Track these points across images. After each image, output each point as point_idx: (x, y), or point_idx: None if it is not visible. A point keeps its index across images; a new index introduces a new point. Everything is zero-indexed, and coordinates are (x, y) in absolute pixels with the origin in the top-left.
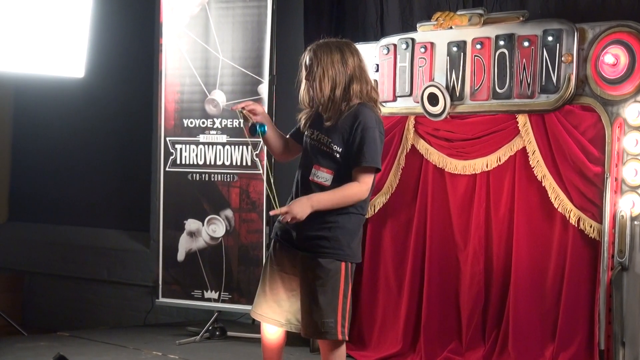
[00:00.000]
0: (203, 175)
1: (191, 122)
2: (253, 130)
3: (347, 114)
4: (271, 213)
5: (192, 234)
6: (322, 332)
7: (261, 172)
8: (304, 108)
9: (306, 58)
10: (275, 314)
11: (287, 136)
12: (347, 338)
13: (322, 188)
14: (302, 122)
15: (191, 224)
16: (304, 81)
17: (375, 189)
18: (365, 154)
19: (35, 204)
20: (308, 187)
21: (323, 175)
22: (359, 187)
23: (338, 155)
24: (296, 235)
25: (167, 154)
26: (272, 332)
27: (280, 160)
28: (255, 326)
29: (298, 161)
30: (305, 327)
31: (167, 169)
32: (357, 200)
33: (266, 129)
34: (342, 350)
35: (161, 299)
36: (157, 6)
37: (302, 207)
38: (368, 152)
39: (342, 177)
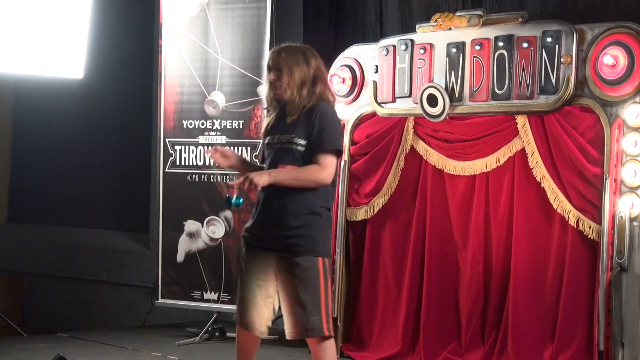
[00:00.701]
0: (202, 176)
1: (191, 123)
2: (228, 204)
3: (307, 110)
4: (230, 183)
5: (191, 235)
6: (309, 330)
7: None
8: (269, 109)
9: (270, 59)
10: (256, 323)
11: (260, 164)
12: (332, 333)
13: (289, 186)
14: (267, 124)
15: (191, 225)
16: (267, 83)
17: (375, 190)
18: (324, 139)
19: (35, 205)
20: (278, 187)
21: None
22: (320, 169)
23: (302, 149)
24: (270, 238)
25: (167, 155)
26: (251, 338)
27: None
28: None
29: None
30: (291, 328)
31: (166, 169)
32: (316, 181)
33: (241, 201)
34: (332, 345)
35: (161, 300)
36: (156, 7)
37: (260, 175)
38: (327, 136)
39: None
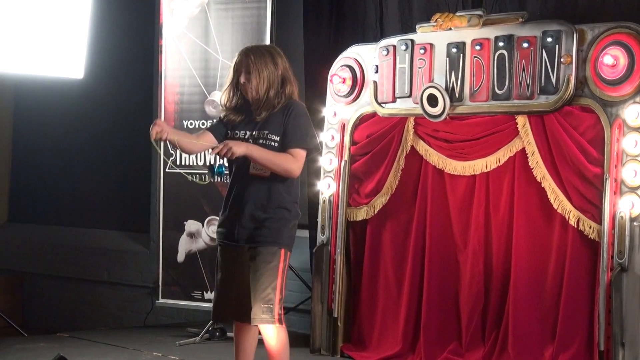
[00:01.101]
0: (203, 177)
1: (191, 123)
2: (212, 172)
3: (278, 109)
4: (212, 152)
5: (192, 235)
6: (262, 318)
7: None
8: (223, 110)
9: (237, 61)
10: (231, 312)
11: (203, 130)
12: (283, 324)
13: (263, 179)
14: (229, 117)
15: (191, 225)
16: (227, 83)
17: (375, 190)
18: (301, 135)
19: (35, 205)
20: (249, 180)
21: (261, 168)
22: (292, 160)
23: (276, 145)
24: (239, 230)
25: (167, 155)
26: (244, 331)
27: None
28: (256, 327)
29: None
30: (248, 312)
31: (167, 170)
32: (285, 169)
33: (224, 169)
34: (285, 338)
35: (161, 300)
36: (156, 7)
37: (238, 144)
38: (303, 133)
39: None
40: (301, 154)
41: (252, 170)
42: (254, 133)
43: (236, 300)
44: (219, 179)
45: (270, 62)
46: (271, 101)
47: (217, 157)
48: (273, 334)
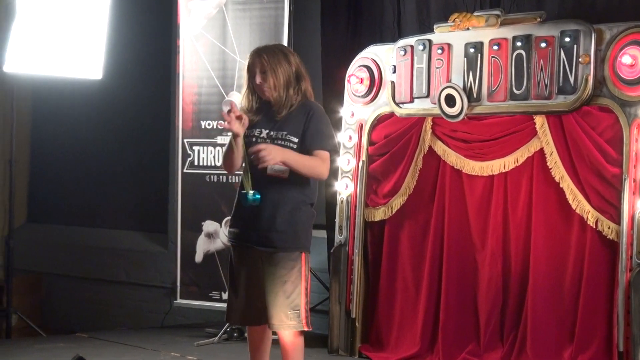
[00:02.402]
0: (220, 177)
1: (208, 124)
2: (245, 201)
3: (296, 107)
4: (250, 150)
5: (209, 236)
6: (289, 324)
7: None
8: (247, 111)
9: (250, 62)
10: (247, 316)
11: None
12: (311, 327)
13: (280, 181)
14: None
15: (209, 225)
16: (245, 87)
17: (393, 191)
18: (323, 138)
19: (54, 206)
20: (265, 181)
21: (281, 168)
22: (322, 163)
23: (294, 147)
24: (255, 234)
25: (185, 155)
26: (259, 333)
27: (231, 172)
28: None
29: None
30: (271, 319)
31: (184, 170)
32: (318, 174)
33: (259, 197)
34: (301, 342)
35: (179, 301)
36: (174, 8)
37: (276, 150)
38: (325, 136)
39: None
40: (327, 156)
41: (270, 171)
42: (271, 133)
43: (253, 303)
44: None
45: (283, 60)
46: (291, 99)
47: (250, 178)
48: (292, 338)
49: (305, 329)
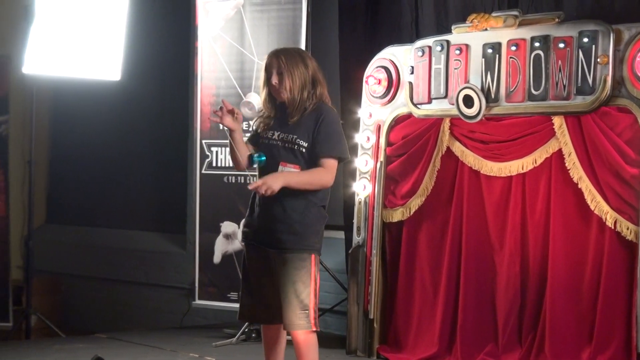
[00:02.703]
0: (239, 178)
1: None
2: (251, 163)
3: (309, 111)
4: (250, 187)
5: (228, 236)
6: (297, 324)
7: None
8: (265, 113)
9: (268, 63)
10: (260, 315)
11: (247, 141)
12: (319, 328)
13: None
14: (260, 126)
15: (227, 226)
16: (264, 87)
17: (411, 191)
18: (332, 145)
19: (73, 207)
20: None
21: (291, 171)
22: (326, 173)
23: (304, 150)
24: (266, 235)
25: (203, 156)
26: (273, 332)
27: (241, 169)
28: None
29: None
30: (278, 316)
31: (202, 171)
32: (322, 185)
33: (264, 158)
34: (314, 340)
35: (198, 301)
36: (192, 9)
37: (275, 179)
38: (333, 142)
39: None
40: (333, 163)
41: (280, 172)
42: (282, 136)
43: (265, 303)
44: (257, 167)
45: (300, 63)
46: (304, 102)
47: (260, 148)
48: (304, 337)
49: (314, 329)
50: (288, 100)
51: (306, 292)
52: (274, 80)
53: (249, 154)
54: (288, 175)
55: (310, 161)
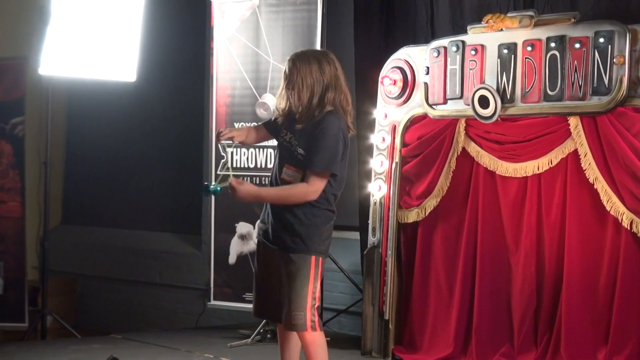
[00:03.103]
0: (254, 179)
1: (242, 126)
2: (207, 192)
3: (316, 120)
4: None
5: (243, 237)
6: (293, 325)
7: None
8: (278, 116)
9: (286, 68)
10: (270, 312)
11: (260, 124)
12: (317, 329)
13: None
14: (279, 119)
15: (242, 227)
16: (282, 90)
17: (426, 192)
18: (316, 159)
19: (88, 208)
20: (281, 185)
21: (292, 174)
22: (306, 188)
23: (302, 158)
24: (271, 233)
25: (218, 157)
26: (289, 332)
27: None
28: None
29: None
30: (281, 315)
31: (218, 172)
32: (302, 200)
33: (219, 190)
34: (321, 340)
35: (213, 302)
36: (207, 10)
37: (247, 192)
38: (320, 157)
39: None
40: (318, 180)
41: (283, 175)
42: (290, 138)
43: (271, 300)
44: (213, 197)
45: (316, 70)
46: (313, 109)
47: (217, 177)
48: (309, 337)
49: (309, 331)
50: (295, 106)
51: (303, 293)
52: (287, 86)
53: (205, 183)
54: (264, 192)
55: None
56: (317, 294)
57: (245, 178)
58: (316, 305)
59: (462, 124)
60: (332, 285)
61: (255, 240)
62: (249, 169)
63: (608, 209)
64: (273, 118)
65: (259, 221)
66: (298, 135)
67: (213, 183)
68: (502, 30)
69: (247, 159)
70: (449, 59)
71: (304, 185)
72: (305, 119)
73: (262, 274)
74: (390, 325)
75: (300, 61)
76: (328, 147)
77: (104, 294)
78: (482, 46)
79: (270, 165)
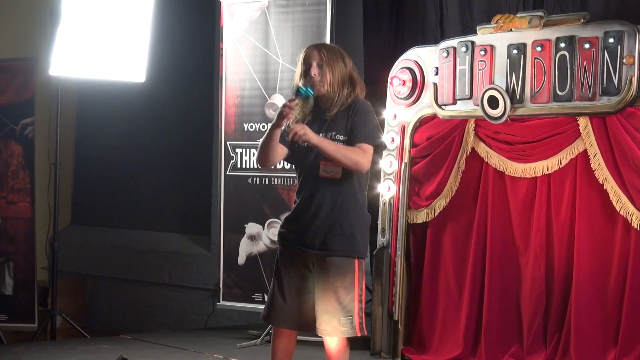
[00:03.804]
0: (263, 179)
1: (251, 126)
2: (299, 94)
3: (345, 107)
4: (288, 132)
5: (252, 238)
6: (342, 330)
7: None
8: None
9: (308, 54)
10: (291, 319)
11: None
12: (365, 333)
13: (333, 182)
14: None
15: (252, 227)
16: (300, 79)
17: (435, 193)
18: (368, 132)
19: (98, 208)
20: (319, 184)
21: (332, 169)
22: (363, 154)
23: (344, 144)
24: (310, 235)
25: (228, 157)
26: (286, 337)
27: (266, 167)
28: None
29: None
30: (322, 325)
31: (227, 172)
32: (357, 164)
33: (312, 92)
34: (345, 345)
35: (222, 302)
36: (217, 11)
37: (312, 133)
38: (370, 130)
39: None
40: (369, 148)
41: (322, 172)
42: (321, 133)
43: (296, 307)
44: (307, 98)
45: (340, 60)
46: (344, 98)
47: (297, 151)
48: (339, 342)
49: (359, 335)
50: (327, 93)
51: (349, 297)
52: (314, 71)
53: (297, 86)
54: (324, 139)
55: None
56: (363, 297)
57: (255, 179)
58: (362, 308)
59: (471, 125)
60: None
61: (273, 246)
62: (258, 169)
63: (618, 209)
64: (286, 132)
65: (279, 228)
66: (330, 125)
67: (305, 86)
68: (511, 30)
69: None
70: (458, 60)
71: (360, 151)
72: (336, 106)
73: (289, 281)
74: (399, 326)
75: (325, 49)
76: (370, 121)
77: (113, 294)
78: (492, 46)
79: (279, 166)
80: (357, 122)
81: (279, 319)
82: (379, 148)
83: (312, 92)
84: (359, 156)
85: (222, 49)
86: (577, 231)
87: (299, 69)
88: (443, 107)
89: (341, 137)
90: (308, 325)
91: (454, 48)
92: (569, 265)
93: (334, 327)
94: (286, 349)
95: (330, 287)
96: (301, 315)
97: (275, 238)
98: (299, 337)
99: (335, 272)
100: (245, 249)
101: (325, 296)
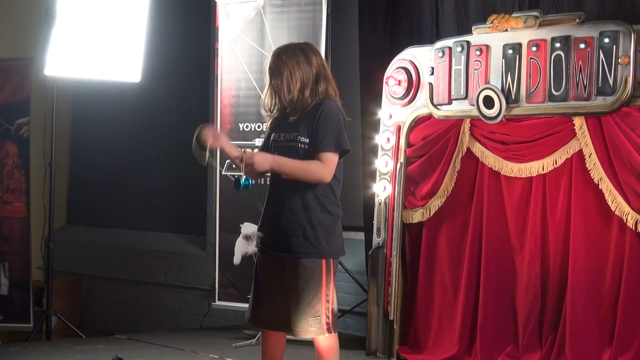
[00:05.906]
0: (258, 179)
1: (247, 126)
2: (237, 186)
3: (310, 108)
4: (243, 154)
5: (248, 238)
6: (309, 331)
7: None
8: (266, 113)
9: (270, 63)
10: (270, 321)
11: (261, 150)
12: (333, 332)
13: (297, 184)
14: (271, 124)
15: (247, 227)
16: (267, 86)
17: (431, 192)
18: (328, 138)
19: (93, 208)
20: (283, 186)
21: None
22: (322, 166)
23: (306, 147)
24: (277, 238)
25: (223, 157)
26: (274, 337)
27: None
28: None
29: None
30: (293, 326)
31: (223, 172)
32: (317, 177)
33: (251, 183)
34: (336, 345)
35: (217, 302)
36: (212, 11)
37: (264, 159)
38: (330, 136)
39: None
40: (331, 158)
41: (284, 175)
42: (286, 136)
43: (273, 308)
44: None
45: (303, 61)
46: (306, 101)
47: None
48: (325, 342)
49: (326, 335)
50: (287, 101)
51: (316, 297)
52: (275, 81)
53: (236, 177)
54: (279, 159)
55: (312, 158)
56: (332, 296)
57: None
58: (331, 308)
59: (466, 125)
60: (336, 285)
61: (255, 250)
62: None
63: (613, 209)
64: (266, 139)
65: (257, 231)
66: (294, 127)
67: (243, 177)
68: (507, 30)
69: None
70: (453, 59)
71: (319, 162)
72: (300, 110)
73: (265, 282)
74: (395, 326)
75: (285, 54)
76: (334, 127)
77: (108, 294)
78: (487, 46)
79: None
80: (320, 127)
81: (260, 320)
82: (343, 153)
83: (251, 185)
84: (317, 171)
85: (217, 48)
86: (572, 231)
87: (267, 78)
88: (438, 107)
89: (304, 139)
90: (287, 325)
91: (450, 48)
92: (565, 265)
93: (303, 327)
94: (275, 349)
95: (297, 288)
96: (279, 316)
97: None
98: (294, 337)
99: (300, 273)
100: (240, 248)
101: (292, 297)
